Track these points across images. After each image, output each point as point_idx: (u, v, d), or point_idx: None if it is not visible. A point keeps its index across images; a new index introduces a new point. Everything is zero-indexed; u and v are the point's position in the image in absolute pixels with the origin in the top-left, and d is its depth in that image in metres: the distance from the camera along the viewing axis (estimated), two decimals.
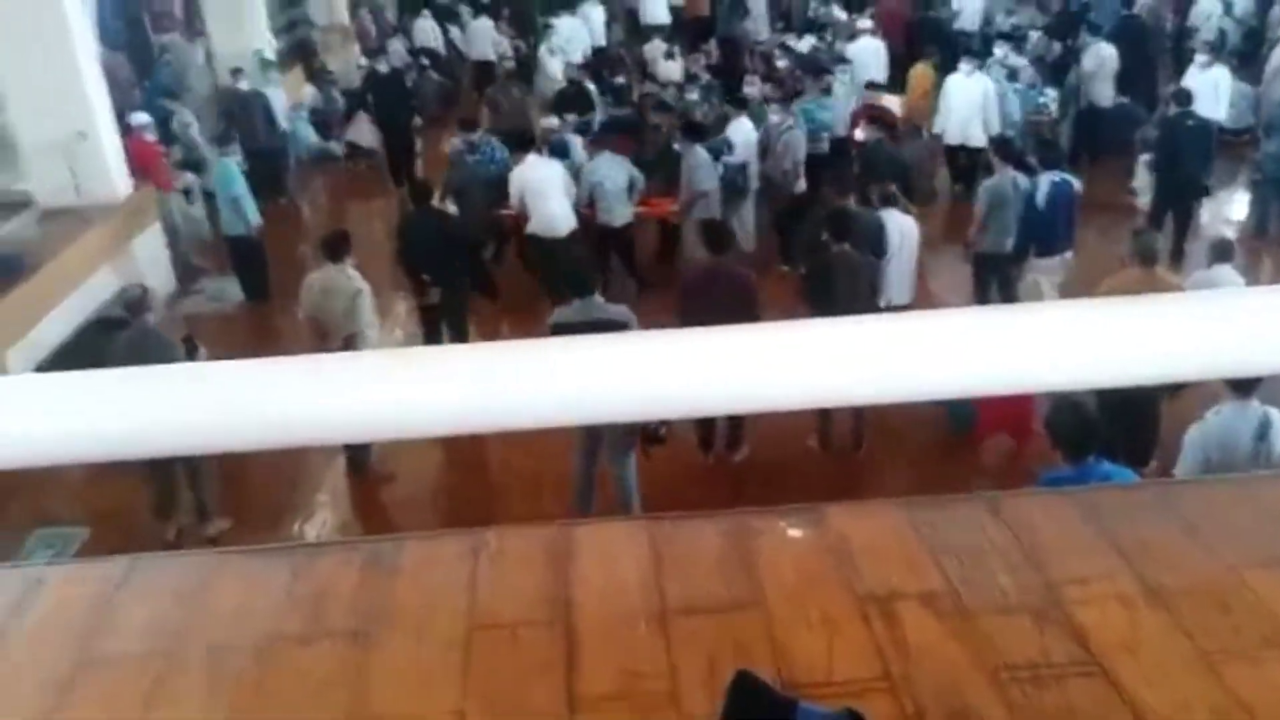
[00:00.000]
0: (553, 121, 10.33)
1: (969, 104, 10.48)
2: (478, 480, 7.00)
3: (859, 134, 9.98)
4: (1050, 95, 11.07)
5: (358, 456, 6.89)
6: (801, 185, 9.56)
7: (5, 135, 9.27)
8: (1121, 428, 5.57)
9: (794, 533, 2.18)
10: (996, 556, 2.06)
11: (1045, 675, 1.79)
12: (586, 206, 8.96)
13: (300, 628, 1.98)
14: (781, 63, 12.48)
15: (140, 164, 9.70)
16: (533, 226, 8.69)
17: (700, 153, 9.07)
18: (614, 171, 8.92)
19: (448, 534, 2.26)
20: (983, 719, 1.71)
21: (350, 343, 6.46)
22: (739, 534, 2.20)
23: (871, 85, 11.17)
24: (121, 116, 9.80)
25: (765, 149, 9.55)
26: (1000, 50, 11.72)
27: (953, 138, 10.81)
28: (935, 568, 2.04)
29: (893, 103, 11.17)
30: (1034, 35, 13.45)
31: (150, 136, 10.11)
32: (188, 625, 2.02)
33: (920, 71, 11.85)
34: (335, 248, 6.63)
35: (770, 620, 1.95)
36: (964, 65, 10.72)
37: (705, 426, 6.90)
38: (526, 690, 1.83)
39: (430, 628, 1.97)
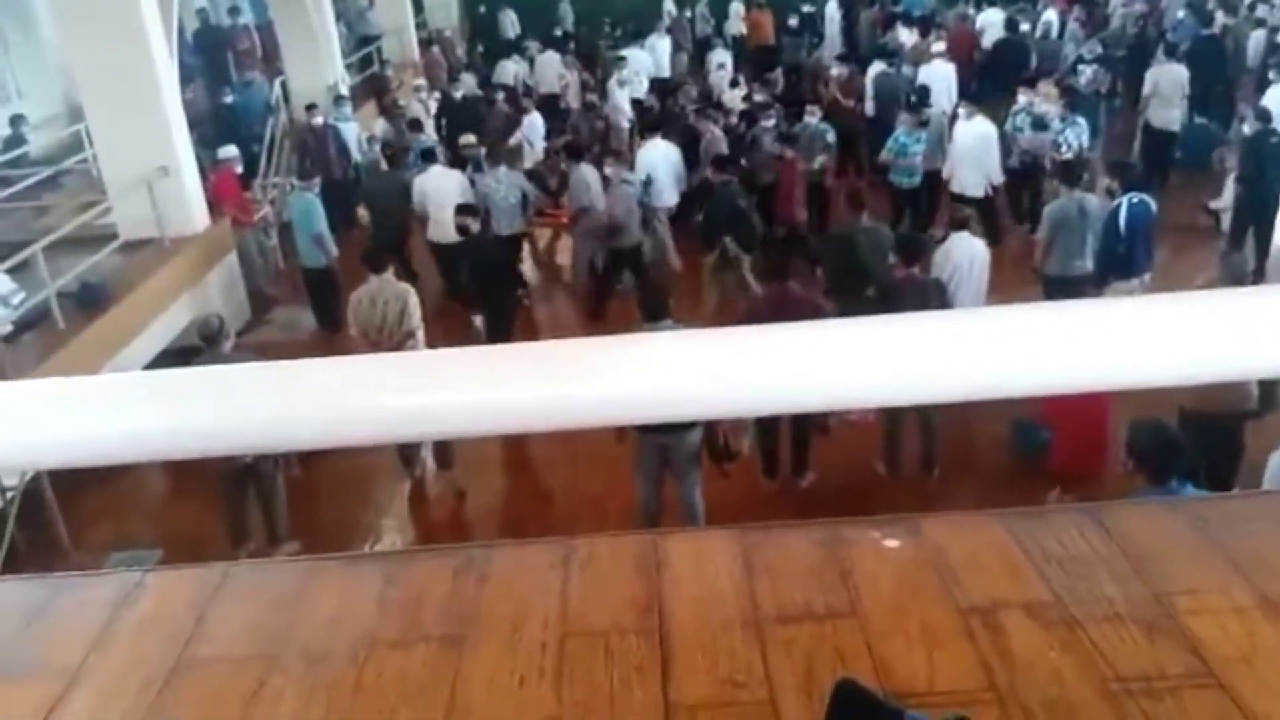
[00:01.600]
0: (470, 138, 11.05)
1: (966, 149, 9.85)
2: (547, 505, 7.02)
3: (709, 174, 9.35)
4: (1063, 134, 9.79)
5: (444, 454, 7.08)
6: (633, 237, 9.28)
7: (92, 170, 9.54)
8: (1203, 453, 5.39)
9: (890, 543, 2.14)
10: (1101, 567, 2.00)
11: (1159, 688, 1.72)
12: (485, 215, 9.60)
13: (395, 633, 1.99)
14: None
15: (220, 196, 9.95)
16: (430, 232, 9.49)
17: (580, 170, 9.65)
18: (505, 187, 9.58)
19: (538, 542, 2.25)
20: None
21: (404, 344, 6.83)
22: (831, 543, 2.16)
23: None
24: (208, 149, 10.09)
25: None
26: (1024, 97, 10.48)
27: (954, 185, 10.04)
28: (1038, 578, 1.98)
29: None
30: (1087, 70, 12.77)
31: (237, 169, 10.37)
32: (284, 630, 2.03)
33: None
34: (378, 260, 7.05)
35: (867, 629, 1.91)
36: (964, 109, 10.10)
37: (769, 454, 6.82)
38: (621, 698, 1.81)
39: (523, 634, 1.96)
